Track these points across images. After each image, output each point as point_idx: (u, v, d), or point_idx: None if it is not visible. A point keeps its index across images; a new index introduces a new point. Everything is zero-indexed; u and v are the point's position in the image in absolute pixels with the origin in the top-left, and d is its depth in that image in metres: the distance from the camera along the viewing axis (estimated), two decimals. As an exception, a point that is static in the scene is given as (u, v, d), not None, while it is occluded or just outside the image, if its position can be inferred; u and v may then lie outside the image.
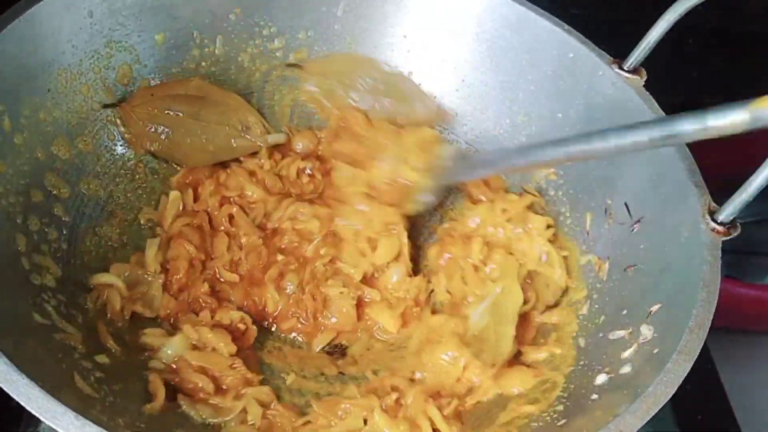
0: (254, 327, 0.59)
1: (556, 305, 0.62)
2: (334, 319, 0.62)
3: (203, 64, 0.68)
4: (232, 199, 0.66)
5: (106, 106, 0.62)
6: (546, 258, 0.63)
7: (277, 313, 0.62)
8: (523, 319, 0.60)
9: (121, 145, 0.64)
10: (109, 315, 0.56)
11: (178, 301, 0.59)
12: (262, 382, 0.56)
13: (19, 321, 0.47)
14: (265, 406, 0.54)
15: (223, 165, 0.68)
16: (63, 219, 0.57)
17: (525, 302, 0.60)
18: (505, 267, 0.63)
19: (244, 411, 0.53)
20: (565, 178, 0.65)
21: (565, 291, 0.63)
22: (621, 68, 0.61)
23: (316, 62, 0.71)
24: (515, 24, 0.66)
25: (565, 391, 0.53)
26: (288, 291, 0.62)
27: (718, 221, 0.51)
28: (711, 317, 0.47)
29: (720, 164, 0.61)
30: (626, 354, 0.51)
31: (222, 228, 0.64)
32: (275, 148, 0.69)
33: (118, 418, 0.44)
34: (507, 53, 0.67)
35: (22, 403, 0.38)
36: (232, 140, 0.67)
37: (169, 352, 0.54)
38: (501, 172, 0.68)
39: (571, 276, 0.62)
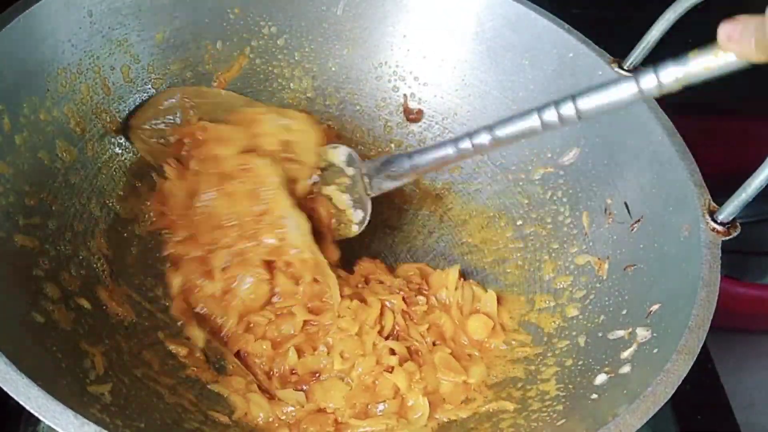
0: None
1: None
2: None
3: (203, 63, 0.68)
4: None
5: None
6: None
7: None
8: None
9: (119, 146, 0.64)
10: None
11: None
12: None
13: (19, 320, 0.47)
14: None
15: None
16: (64, 219, 0.57)
17: None
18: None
19: None
20: (565, 177, 0.65)
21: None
22: (621, 67, 0.61)
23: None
24: (515, 23, 0.66)
25: (564, 391, 0.53)
26: None
27: (718, 221, 0.51)
28: (711, 317, 0.47)
29: (720, 164, 0.61)
30: (626, 354, 0.51)
31: None
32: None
33: (117, 418, 0.44)
34: (507, 53, 0.67)
35: (22, 403, 0.38)
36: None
37: None
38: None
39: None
